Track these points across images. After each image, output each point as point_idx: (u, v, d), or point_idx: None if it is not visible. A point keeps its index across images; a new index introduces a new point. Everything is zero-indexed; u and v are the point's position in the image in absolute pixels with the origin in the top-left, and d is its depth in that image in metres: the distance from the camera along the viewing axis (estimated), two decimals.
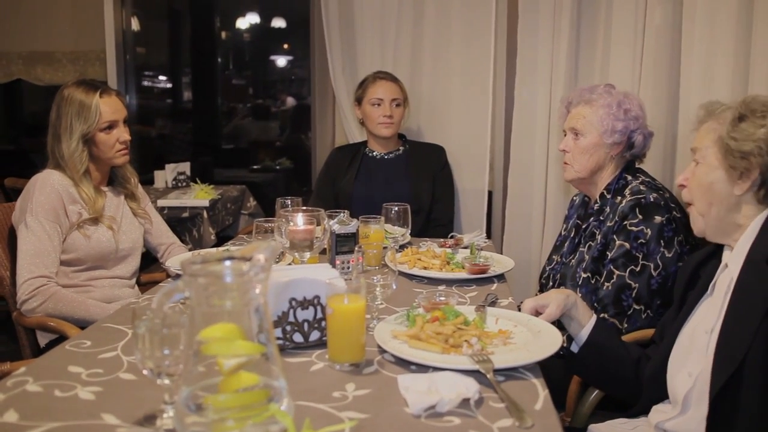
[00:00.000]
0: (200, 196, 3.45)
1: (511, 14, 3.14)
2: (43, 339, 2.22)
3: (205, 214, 3.41)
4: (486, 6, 3.07)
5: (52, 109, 2.18)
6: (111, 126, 2.19)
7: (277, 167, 6.36)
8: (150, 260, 2.72)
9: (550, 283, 2.22)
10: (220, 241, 3.62)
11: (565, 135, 2.20)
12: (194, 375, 0.99)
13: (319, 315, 1.42)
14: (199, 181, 3.66)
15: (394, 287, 1.56)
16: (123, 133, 2.22)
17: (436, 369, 1.28)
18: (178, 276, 2.02)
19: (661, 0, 2.62)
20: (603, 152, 2.10)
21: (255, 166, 6.43)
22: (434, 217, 2.96)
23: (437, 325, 1.42)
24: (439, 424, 1.08)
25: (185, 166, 4.07)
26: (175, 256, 2.31)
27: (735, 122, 1.41)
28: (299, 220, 1.65)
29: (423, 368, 1.30)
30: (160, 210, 3.15)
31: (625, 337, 1.86)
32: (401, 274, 1.96)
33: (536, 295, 2.35)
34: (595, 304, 1.97)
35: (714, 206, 1.45)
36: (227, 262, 0.97)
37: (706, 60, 2.44)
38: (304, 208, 1.68)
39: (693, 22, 2.47)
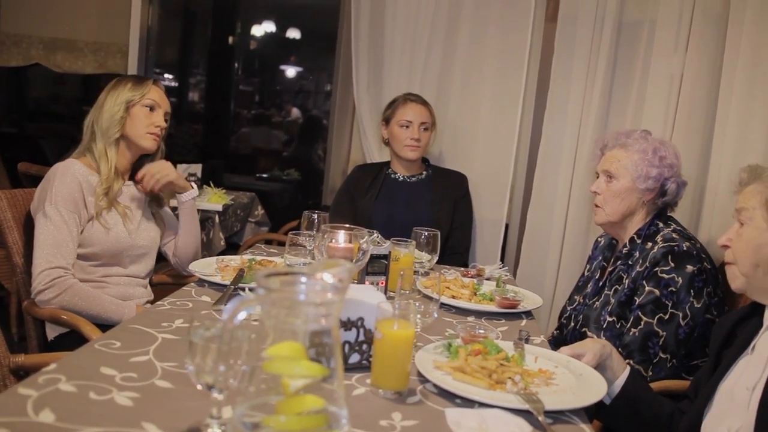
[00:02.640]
0: (214, 200, 3.41)
1: (545, 49, 3.14)
2: (51, 332, 2.16)
3: (216, 218, 3.37)
4: (521, 39, 3.07)
5: (100, 95, 2.23)
6: (153, 107, 2.22)
7: (285, 177, 6.32)
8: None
9: (572, 323, 2.19)
10: (228, 247, 3.58)
11: (597, 177, 2.18)
12: (254, 392, 0.95)
13: (361, 337, 1.39)
14: (212, 185, 3.61)
15: (435, 316, 1.53)
16: (161, 119, 2.24)
17: (482, 405, 1.25)
18: (201, 281, 1.97)
19: (700, 51, 2.63)
20: (635, 197, 2.09)
21: (262, 175, 6.38)
22: (451, 244, 2.93)
23: (480, 359, 1.39)
24: None
25: (197, 168, 4.01)
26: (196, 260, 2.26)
27: None
28: (341, 238, 1.61)
29: (468, 402, 1.27)
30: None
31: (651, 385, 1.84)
32: (427, 299, 1.92)
33: (553, 333, 2.34)
34: (620, 350, 1.94)
35: (760, 268, 1.44)
36: (303, 280, 0.94)
37: (742, 115, 2.45)
38: (347, 225, 1.64)
39: (732, 76, 2.48)
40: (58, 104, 6.97)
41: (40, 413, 1.05)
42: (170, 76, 6.71)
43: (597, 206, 2.16)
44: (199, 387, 1.02)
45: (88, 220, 2.12)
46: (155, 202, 2.36)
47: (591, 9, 2.86)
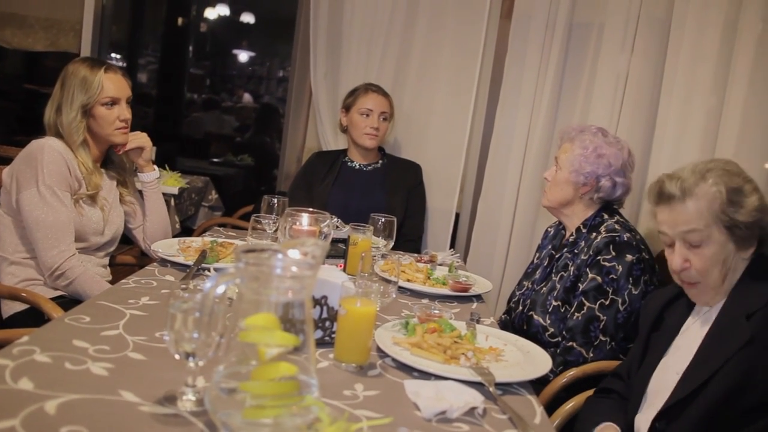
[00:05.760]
0: (170, 183, 3.42)
1: (500, 45, 3.25)
2: (6, 310, 2.16)
3: (172, 201, 3.38)
4: (476, 35, 3.16)
5: (56, 83, 2.20)
6: (113, 102, 2.20)
7: (238, 162, 6.30)
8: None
9: (519, 307, 2.31)
10: (182, 231, 3.60)
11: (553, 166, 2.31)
12: (230, 360, 1.02)
13: (324, 315, 1.46)
14: (168, 168, 3.61)
15: (394, 296, 1.62)
16: (124, 111, 2.22)
17: (438, 377, 1.34)
18: (164, 261, 2.02)
19: (644, 54, 2.77)
20: (571, 189, 2.21)
21: (215, 159, 6.35)
22: (404, 232, 3.02)
23: (436, 336, 1.49)
24: (450, 429, 1.15)
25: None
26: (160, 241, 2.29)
27: (730, 200, 1.46)
28: (304, 221, 1.68)
29: (425, 375, 1.37)
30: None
31: (588, 366, 1.97)
32: (385, 281, 2.01)
33: (501, 317, 2.45)
34: (564, 333, 2.08)
35: (728, 276, 1.50)
36: (279, 256, 1.01)
37: (681, 114, 2.61)
38: (311, 209, 1.71)
39: (673, 78, 2.64)
40: None
41: (19, 381, 1.10)
42: (120, 56, 6.59)
43: (545, 191, 2.31)
44: (176, 357, 1.08)
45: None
46: (123, 186, 2.38)
47: (544, 9, 2.98)
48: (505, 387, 1.37)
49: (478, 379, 1.33)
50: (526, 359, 1.51)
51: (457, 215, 3.38)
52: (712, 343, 1.48)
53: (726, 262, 1.48)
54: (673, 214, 1.50)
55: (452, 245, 3.34)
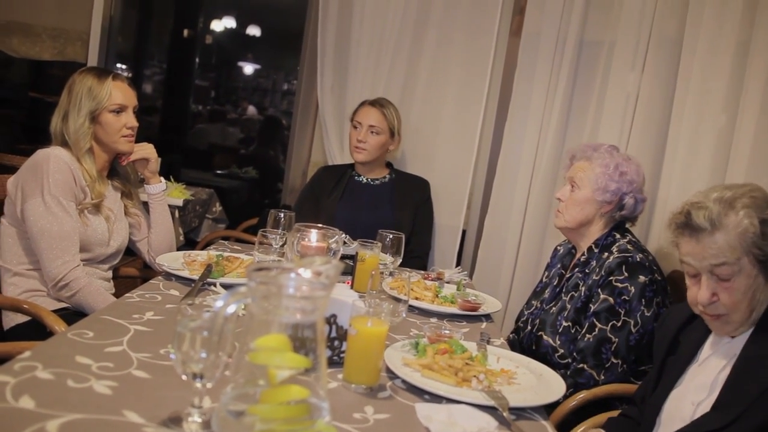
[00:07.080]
0: (174, 194, 3.39)
1: (508, 62, 3.23)
2: (8, 322, 2.13)
3: (177, 213, 3.35)
4: (485, 48, 3.15)
5: (63, 92, 2.18)
6: (120, 110, 2.19)
7: (243, 175, 6.29)
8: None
9: (528, 327, 2.27)
10: (185, 243, 3.57)
11: (566, 184, 2.28)
12: (239, 382, 0.99)
13: (333, 334, 1.43)
14: (173, 179, 3.59)
15: (404, 316, 1.59)
16: (131, 119, 2.22)
17: (450, 400, 1.31)
18: (168, 274, 1.98)
19: (654, 73, 2.76)
20: (593, 208, 2.19)
21: (219, 171, 6.33)
22: (411, 248, 2.98)
23: (447, 357, 1.45)
24: None
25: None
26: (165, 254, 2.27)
27: (764, 233, 1.39)
28: (313, 237, 1.65)
29: (436, 398, 1.33)
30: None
31: (599, 389, 1.93)
32: (395, 300, 1.97)
33: (509, 336, 2.42)
34: (575, 354, 2.04)
35: (756, 309, 1.44)
36: (293, 275, 0.98)
37: (691, 134, 2.58)
38: (319, 225, 1.68)
39: (684, 98, 2.62)
40: (3, 89, 6.76)
41: (20, 399, 1.06)
42: (125, 67, 6.60)
43: (558, 211, 2.27)
44: (183, 377, 1.05)
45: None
46: (128, 198, 2.36)
47: (554, 27, 2.96)
48: (519, 411, 1.33)
49: (491, 403, 1.29)
50: (540, 382, 1.47)
51: (464, 232, 3.35)
52: (736, 384, 1.42)
53: (755, 294, 1.42)
54: (701, 246, 1.43)
55: (458, 262, 3.31)
